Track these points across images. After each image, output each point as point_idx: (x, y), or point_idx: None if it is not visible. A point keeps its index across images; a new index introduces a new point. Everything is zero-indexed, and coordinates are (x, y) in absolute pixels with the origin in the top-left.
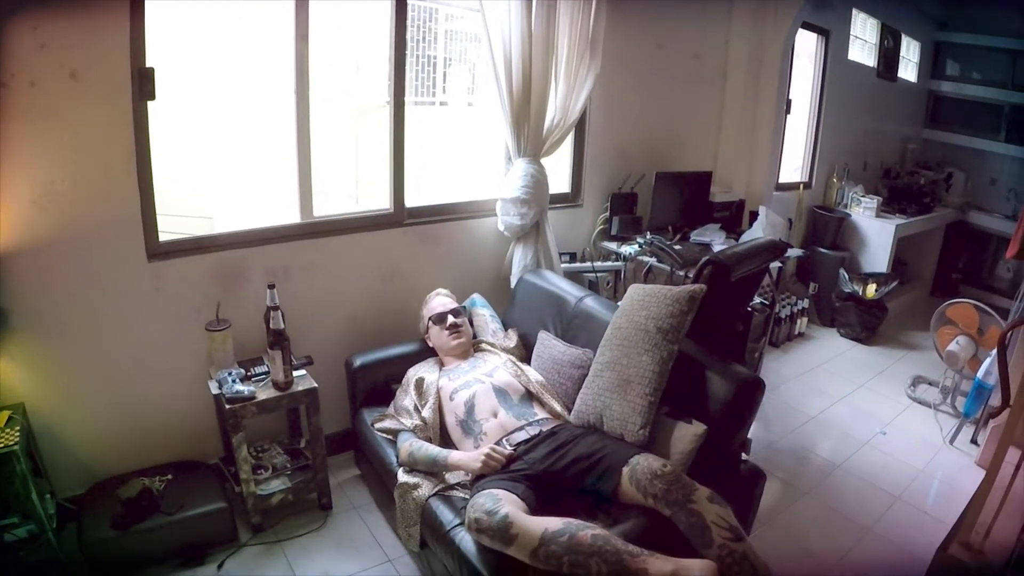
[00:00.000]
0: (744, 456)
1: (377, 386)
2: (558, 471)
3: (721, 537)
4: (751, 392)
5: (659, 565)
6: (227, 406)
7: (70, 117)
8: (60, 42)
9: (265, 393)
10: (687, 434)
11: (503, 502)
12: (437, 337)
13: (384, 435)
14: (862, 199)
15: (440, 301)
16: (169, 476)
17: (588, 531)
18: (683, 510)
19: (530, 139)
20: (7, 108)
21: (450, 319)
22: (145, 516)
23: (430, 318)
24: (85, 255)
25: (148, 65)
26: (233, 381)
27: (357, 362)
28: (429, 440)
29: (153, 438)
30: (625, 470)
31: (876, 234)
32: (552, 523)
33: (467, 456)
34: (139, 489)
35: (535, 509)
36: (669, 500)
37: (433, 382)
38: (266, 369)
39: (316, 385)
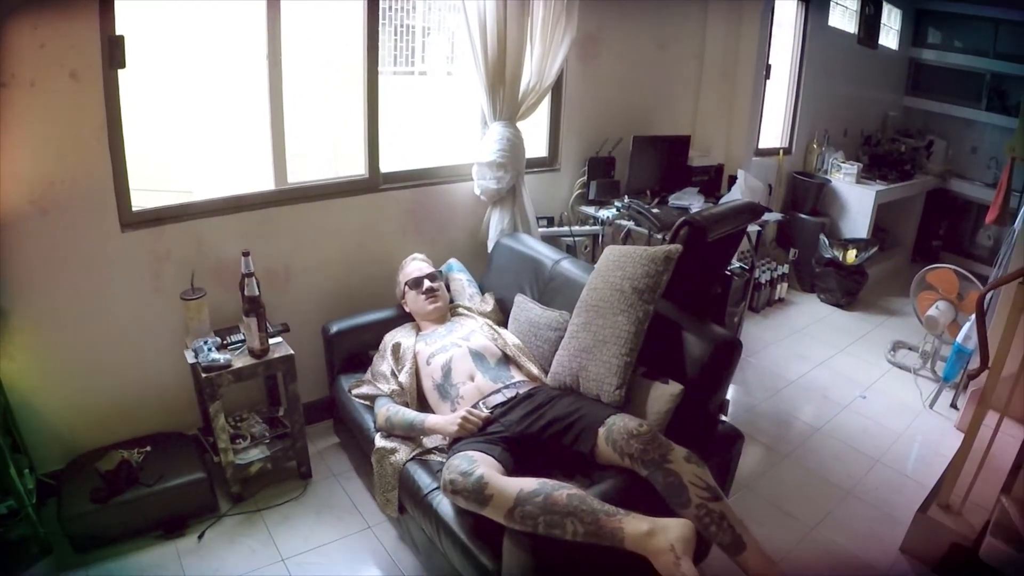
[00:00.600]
0: (722, 417)
1: (354, 353)
2: (535, 433)
3: (699, 497)
4: (728, 352)
5: (635, 524)
6: (203, 375)
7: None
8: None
9: (241, 361)
10: (663, 394)
11: (478, 463)
12: (413, 302)
13: (361, 401)
14: (842, 165)
15: (416, 266)
16: (148, 448)
17: (563, 491)
18: (660, 470)
19: (506, 102)
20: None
21: (426, 284)
22: (124, 488)
23: (406, 283)
24: (58, 227)
25: (118, 33)
26: (209, 350)
27: (334, 328)
28: (406, 405)
29: (131, 410)
30: (601, 431)
31: (856, 200)
32: (527, 483)
33: (444, 419)
34: (118, 461)
35: (512, 471)
36: (645, 460)
37: (410, 347)
38: (242, 337)
39: (292, 352)
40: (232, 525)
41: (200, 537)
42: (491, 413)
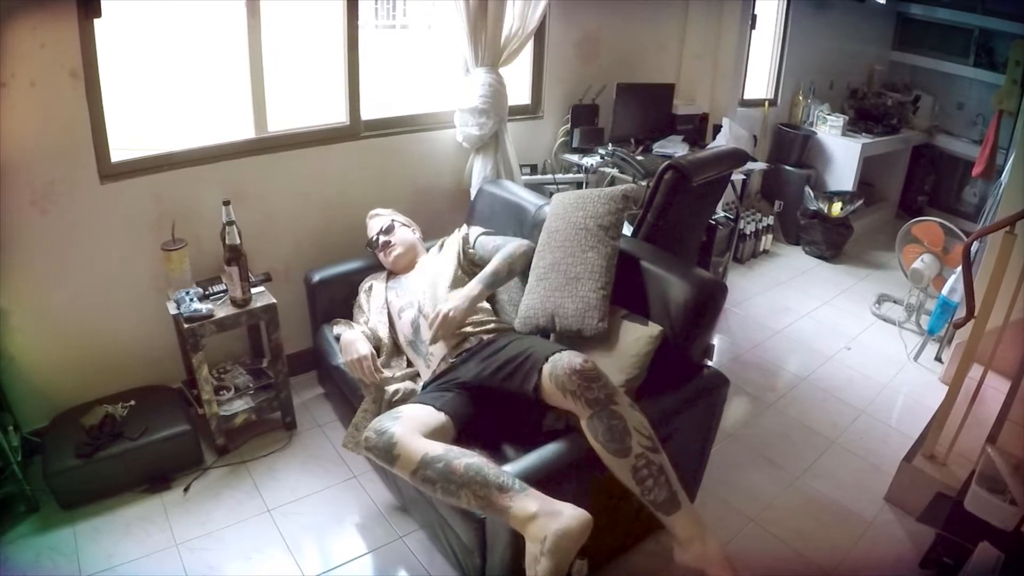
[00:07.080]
0: (707, 362)
1: (337, 302)
2: (487, 377)
3: (640, 446)
4: (713, 294)
5: (523, 504)
6: (185, 325)
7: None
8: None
9: (223, 311)
10: (643, 336)
11: (399, 421)
12: (382, 259)
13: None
14: (828, 118)
15: (371, 224)
16: (132, 402)
17: (463, 460)
18: (605, 411)
19: (488, 48)
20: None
21: (380, 239)
22: (109, 443)
23: (367, 245)
24: (35, 180)
25: None
26: (191, 300)
27: (316, 277)
28: (377, 349)
29: (115, 365)
30: (546, 367)
31: (842, 153)
32: (434, 448)
33: (345, 343)
34: (102, 416)
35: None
36: (589, 398)
37: (381, 290)
38: (224, 287)
39: (275, 301)
40: (217, 477)
41: (186, 490)
42: (456, 359)
